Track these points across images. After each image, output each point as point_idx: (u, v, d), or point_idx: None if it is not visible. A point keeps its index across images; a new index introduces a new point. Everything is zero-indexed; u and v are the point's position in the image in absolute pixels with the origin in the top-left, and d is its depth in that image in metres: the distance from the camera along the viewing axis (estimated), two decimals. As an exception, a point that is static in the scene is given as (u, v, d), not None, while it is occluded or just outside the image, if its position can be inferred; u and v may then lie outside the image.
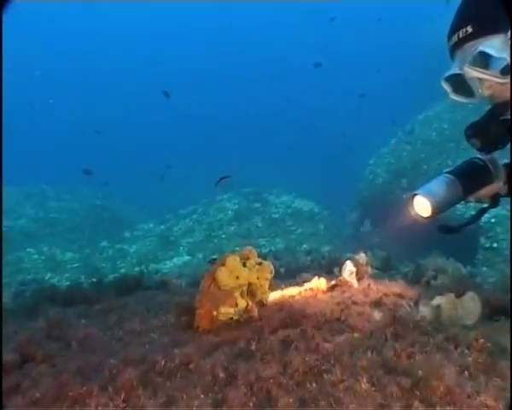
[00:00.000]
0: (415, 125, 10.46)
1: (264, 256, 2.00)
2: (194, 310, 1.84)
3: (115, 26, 34.71)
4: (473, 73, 1.50)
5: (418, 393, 1.07)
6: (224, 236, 10.77)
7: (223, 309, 1.80)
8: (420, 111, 10.73)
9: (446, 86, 1.66)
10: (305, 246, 9.54)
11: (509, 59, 1.41)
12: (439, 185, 1.64)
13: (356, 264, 2.47)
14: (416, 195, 1.65)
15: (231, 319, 1.81)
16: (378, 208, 7.79)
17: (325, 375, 1.21)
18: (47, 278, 8.47)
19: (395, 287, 2.06)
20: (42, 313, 2.17)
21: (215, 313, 1.80)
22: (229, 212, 11.59)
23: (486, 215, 6.52)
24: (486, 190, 1.71)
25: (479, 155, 1.71)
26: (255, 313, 1.81)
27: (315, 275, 2.64)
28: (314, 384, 1.17)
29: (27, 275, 7.90)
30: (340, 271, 2.48)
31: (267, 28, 33.32)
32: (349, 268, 2.32)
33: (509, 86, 1.47)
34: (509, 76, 1.44)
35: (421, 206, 1.63)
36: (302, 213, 11.50)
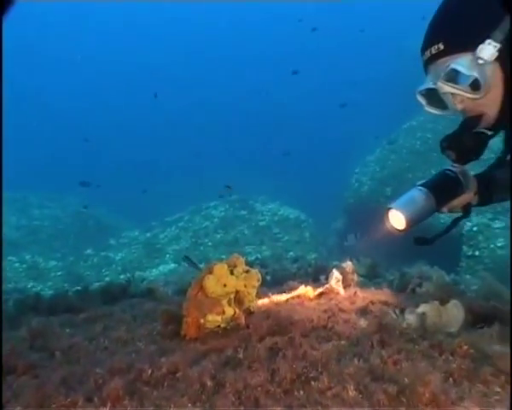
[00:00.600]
0: (399, 135, 10.63)
1: (250, 264, 2.00)
2: (181, 318, 1.83)
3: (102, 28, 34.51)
4: (445, 88, 1.57)
5: (404, 400, 1.09)
6: (210, 243, 10.74)
7: (210, 317, 1.79)
8: (404, 121, 10.93)
9: (421, 99, 1.72)
10: (291, 253, 9.57)
11: (478, 76, 1.48)
12: (412, 198, 1.71)
13: (342, 272, 2.50)
14: (390, 208, 1.69)
15: (218, 326, 1.81)
16: (363, 216, 7.86)
17: (313, 382, 1.21)
18: (29, 286, 8.32)
19: (381, 295, 2.08)
20: (25, 323, 2.12)
21: (202, 320, 1.79)
22: (216, 219, 11.59)
23: (469, 224, 6.70)
24: (458, 201, 1.78)
25: (450, 167, 1.77)
26: (242, 320, 1.81)
27: (301, 283, 2.66)
28: (302, 392, 1.18)
29: (8, 284, 7.76)
30: (327, 278, 2.50)
31: (254, 33, 33.51)
32: (335, 276, 2.34)
33: (480, 102, 1.54)
34: (479, 92, 1.51)
35: (396, 219, 1.69)
36: (288, 220, 11.55)
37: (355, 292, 2.09)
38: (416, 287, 2.16)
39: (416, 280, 2.25)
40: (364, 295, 2.03)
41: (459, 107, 1.62)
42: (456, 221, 1.88)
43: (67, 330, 2.09)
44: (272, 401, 1.16)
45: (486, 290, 2.12)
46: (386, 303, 1.89)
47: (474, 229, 6.47)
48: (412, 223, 1.68)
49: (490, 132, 1.69)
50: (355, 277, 2.53)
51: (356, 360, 1.29)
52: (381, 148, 10.90)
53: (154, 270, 9.37)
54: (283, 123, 26.57)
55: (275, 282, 3.13)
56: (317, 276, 3.12)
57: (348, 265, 2.77)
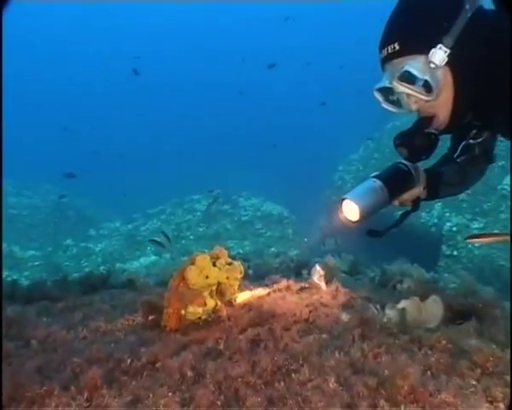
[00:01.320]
0: (383, 134, 10.75)
1: (232, 258, 1.99)
2: (161, 309, 1.81)
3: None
4: (400, 88, 1.61)
5: (384, 392, 1.10)
6: (192, 237, 10.69)
7: (191, 308, 1.78)
8: (388, 121, 11.05)
9: (378, 96, 1.76)
10: (273, 249, 9.60)
11: (430, 79, 1.52)
12: (366, 190, 1.72)
13: (324, 267, 2.51)
14: (344, 199, 1.70)
15: (199, 318, 1.80)
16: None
17: (293, 374, 1.21)
18: (3, 276, 8.14)
19: (362, 290, 2.10)
20: (-1, 311, 2.07)
21: (183, 312, 1.78)
22: (198, 213, 11.53)
23: (448, 224, 6.81)
24: (409, 194, 1.82)
25: (403, 161, 1.80)
26: (224, 312, 1.80)
27: (284, 277, 2.66)
28: (282, 384, 1.18)
29: (-18, 272, 7.57)
30: (309, 273, 2.51)
31: (240, 29, 33.36)
32: (318, 271, 2.35)
33: (432, 103, 1.59)
34: (430, 94, 1.56)
35: (350, 210, 1.70)
36: (271, 216, 11.57)
37: (337, 287, 2.10)
38: (396, 283, 2.19)
39: (397, 277, 2.28)
40: (346, 291, 2.04)
41: (413, 107, 1.67)
42: (405, 215, 1.92)
43: (44, 319, 2.04)
44: (252, 391, 1.15)
45: (465, 288, 2.17)
46: (367, 299, 1.91)
47: (454, 229, 6.60)
48: (366, 214, 1.69)
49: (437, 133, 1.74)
50: (337, 273, 2.55)
51: (337, 353, 1.30)
52: (364, 146, 11.00)
53: (134, 262, 9.28)
54: (269, 119, 26.61)
55: (257, 276, 3.13)
56: (299, 271, 3.13)
57: (330, 260, 2.79)
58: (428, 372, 1.21)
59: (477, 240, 3.16)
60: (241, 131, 27.02)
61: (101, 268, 7.29)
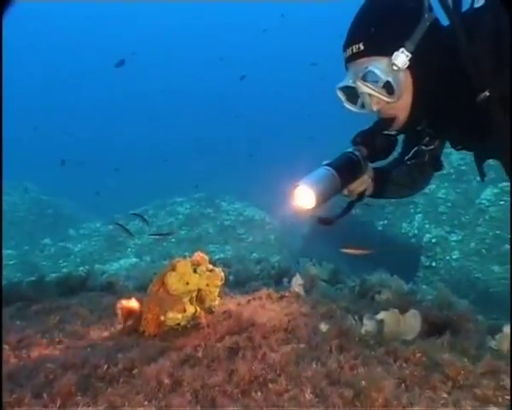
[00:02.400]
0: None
1: (213, 263, 1.99)
2: (140, 314, 1.79)
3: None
4: (363, 88, 1.65)
5: (359, 404, 1.11)
6: (173, 240, 10.60)
7: (171, 314, 1.77)
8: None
9: (340, 95, 1.79)
10: (254, 255, 9.59)
11: (392, 81, 1.57)
12: (320, 177, 1.73)
13: (305, 276, 2.53)
14: (297, 186, 1.70)
15: (178, 324, 1.79)
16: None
17: (270, 384, 1.22)
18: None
19: (342, 300, 2.12)
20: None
21: (162, 318, 1.77)
22: (181, 216, 11.45)
23: (428, 235, 6.91)
24: (357, 184, 1.86)
25: (352, 150, 1.84)
26: (203, 319, 1.80)
27: (264, 285, 2.67)
28: (259, 393, 1.18)
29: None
30: (290, 282, 2.52)
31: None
32: (298, 280, 2.36)
33: (393, 105, 1.64)
34: (392, 96, 1.60)
35: (304, 197, 1.69)
36: (254, 221, 11.57)
37: (316, 297, 2.12)
38: (375, 294, 2.22)
39: (376, 288, 2.31)
40: (325, 300, 2.06)
41: (375, 107, 1.72)
42: (351, 204, 1.95)
43: (18, 323, 2.00)
44: (229, 401, 1.16)
45: (440, 300, 2.21)
46: (346, 309, 1.93)
47: (433, 241, 6.72)
48: (320, 201, 1.69)
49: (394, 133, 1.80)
50: (318, 282, 2.57)
51: (314, 364, 1.31)
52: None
53: (114, 263, 9.16)
54: (254, 125, 26.66)
55: (237, 283, 3.13)
56: (279, 279, 3.14)
57: (311, 269, 2.81)
58: (403, 385, 1.23)
59: (347, 250, 3.56)
60: (226, 136, 27.01)
61: (80, 269, 7.16)
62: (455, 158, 7.25)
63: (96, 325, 1.88)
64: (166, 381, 1.27)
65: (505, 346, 1.56)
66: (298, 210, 1.73)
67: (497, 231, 6.37)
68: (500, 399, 1.19)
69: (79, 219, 12.50)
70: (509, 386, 1.24)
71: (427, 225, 7.08)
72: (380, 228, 7.38)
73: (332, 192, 1.74)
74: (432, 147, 1.94)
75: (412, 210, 7.34)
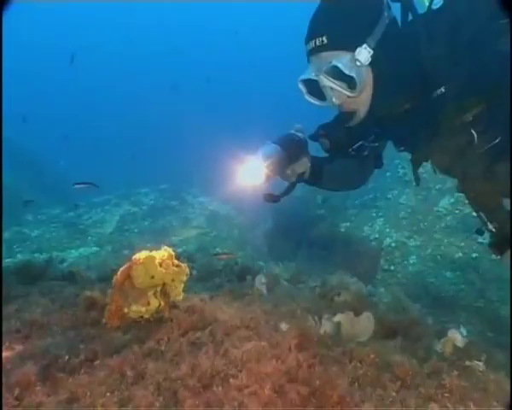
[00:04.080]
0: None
1: (178, 257, 2.01)
2: (103, 305, 1.79)
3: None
4: (325, 82, 1.70)
5: (314, 400, 1.18)
6: (136, 230, 10.42)
7: (134, 307, 1.77)
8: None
9: (302, 87, 1.85)
10: (217, 249, 9.58)
11: (355, 76, 1.63)
12: (268, 153, 1.76)
13: (268, 275, 2.59)
14: (246, 161, 1.72)
15: (142, 317, 1.80)
16: (290, 221, 8.14)
17: (231, 380, 1.26)
18: None
19: (303, 300, 2.20)
20: None
21: (126, 310, 1.77)
22: (144, 207, 11.28)
23: (388, 239, 7.11)
24: (299, 165, 1.91)
25: (293, 132, 1.90)
26: (167, 313, 1.82)
27: (227, 281, 2.71)
28: (220, 388, 1.22)
29: None
30: (253, 279, 2.58)
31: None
32: (261, 279, 2.42)
33: (354, 100, 1.71)
34: (354, 91, 1.67)
35: (253, 173, 1.72)
36: (218, 216, 11.55)
37: (278, 296, 2.18)
38: (335, 296, 2.30)
39: (336, 289, 2.40)
40: (287, 300, 2.12)
41: (336, 101, 1.77)
42: (293, 185, 1.99)
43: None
44: (191, 394, 1.19)
45: (395, 304, 2.33)
46: (306, 309, 2.00)
47: (393, 245, 6.97)
48: (268, 176, 1.72)
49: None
50: (280, 281, 2.64)
51: (274, 361, 1.36)
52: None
53: (73, 251, 8.90)
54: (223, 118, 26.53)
55: (200, 278, 3.15)
56: (243, 275, 3.19)
57: (274, 268, 2.88)
58: (356, 384, 1.31)
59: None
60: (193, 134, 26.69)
61: (38, 256, 6.93)
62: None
63: (56, 314, 1.86)
64: (129, 373, 1.29)
65: (448, 349, 1.68)
66: (246, 185, 1.74)
67: (452, 239, 6.68)
68: (440, 396, 1.30)
69: (38, 203, 12.04)
70: (448, 385, 1.35)
71: (387, 230, 7.33)
72: (342, 230, 7.57)
73: (278, 168, 1.77)
74: (376, 144, 2.00)
75: (374, 214, 7.59)
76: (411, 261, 6.71)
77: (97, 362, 1.37)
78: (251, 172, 1.70)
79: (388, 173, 7.91)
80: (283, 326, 1.67)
